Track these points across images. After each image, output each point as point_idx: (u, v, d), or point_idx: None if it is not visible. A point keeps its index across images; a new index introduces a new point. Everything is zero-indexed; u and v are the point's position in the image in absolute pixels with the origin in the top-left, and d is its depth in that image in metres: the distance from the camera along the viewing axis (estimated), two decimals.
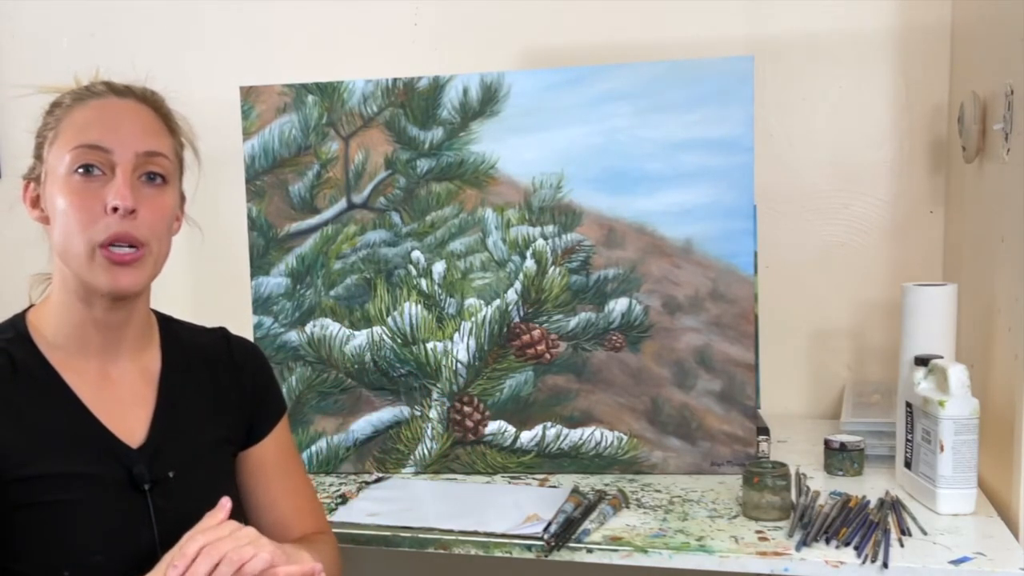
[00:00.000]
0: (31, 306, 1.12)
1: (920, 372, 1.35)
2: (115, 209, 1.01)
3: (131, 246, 1.03)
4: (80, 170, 1.03)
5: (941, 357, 1.36)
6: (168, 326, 1.19)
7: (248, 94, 1.59)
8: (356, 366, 1.59)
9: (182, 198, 1.15)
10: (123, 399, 1.09)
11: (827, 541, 1.20)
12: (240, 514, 1.17)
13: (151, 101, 1.10)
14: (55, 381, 1.05)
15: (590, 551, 1.23)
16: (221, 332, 1.24)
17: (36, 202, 1.08)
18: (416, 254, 1.57)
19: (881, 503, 1.32)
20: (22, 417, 1.01)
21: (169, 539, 1.03)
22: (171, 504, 1.06)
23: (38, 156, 1.08)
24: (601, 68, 1.51)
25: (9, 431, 1.00)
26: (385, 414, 1.59)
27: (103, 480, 1.03)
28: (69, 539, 1.00)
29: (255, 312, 1.60)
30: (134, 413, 1.09)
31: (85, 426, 1.05)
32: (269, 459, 1.21)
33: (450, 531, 1.30)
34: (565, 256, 1.53)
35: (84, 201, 1.02)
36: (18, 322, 1.09)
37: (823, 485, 1.42)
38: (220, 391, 1.18)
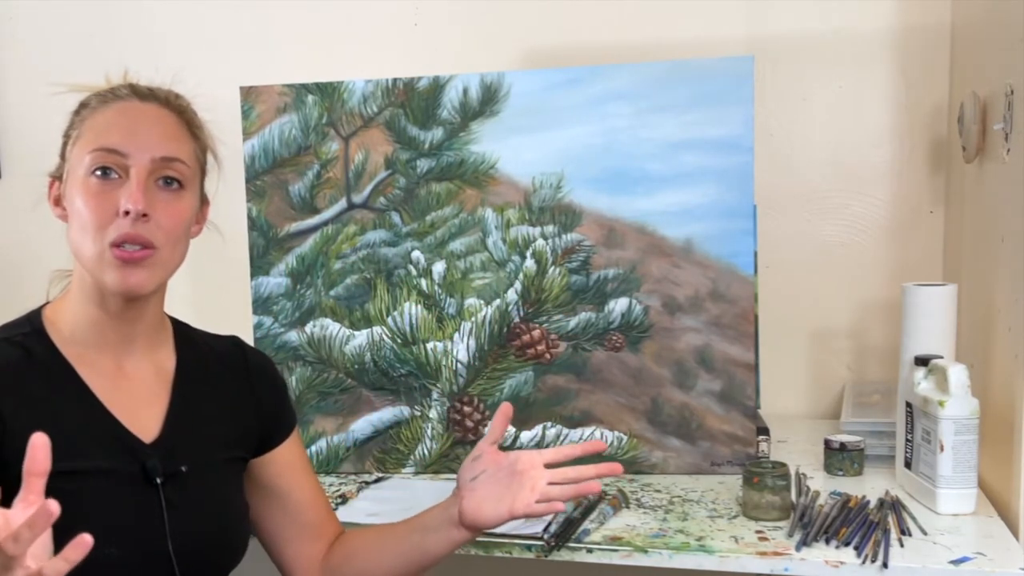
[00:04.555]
0: (47, 303, 1.13)
1: (920, 372, 1.35)
2: (127, 212, 1.03)
3: (142, 246, 1.04)
4: (97, 172, 1.04)
5: (941, 357, 1.36)
6: (182, 329, 1.20)
7: (248, 94, 1.59)
8: (356, 366, 1.59)
9: (204, 201, 1.17)
10: (138, 395, 1.10)
11: (827, 541, 1.20)
12: (246, 520, 1.18)
13: (174, 105, 1.12)
14: (70, 376, 1.06)
15: (590, 551, 1.23)
16: (234, 340, 1.25)
17: (59, 200, 1.10)
18: (416, 254, 1.57)
19: (881, 503, 1.32)
20: (38, 410, 1.02)
21: (179, 533, 1.05)
22: (182, 499, 1.07)
23: (62, 155, 1.10)
24: (601, 68, 1.51)
25: (26, 424, 1.00)
26: (385, 414, 1.59)
27: (116, 473, 1.04)
28: (80, 532, 1.01)
29: (255, 312, 1.60)
30: (148, 409, 1.10)
31: (99, 420, 1.06)
32: (296, 460, 1.24)
33: None
34: (565, 256, 1.53)
35: (99, 203, 1.04)
36: (34, 317, 1.10)
37: (823, 485, 1.42)
38: (233, 395, 1.19)
